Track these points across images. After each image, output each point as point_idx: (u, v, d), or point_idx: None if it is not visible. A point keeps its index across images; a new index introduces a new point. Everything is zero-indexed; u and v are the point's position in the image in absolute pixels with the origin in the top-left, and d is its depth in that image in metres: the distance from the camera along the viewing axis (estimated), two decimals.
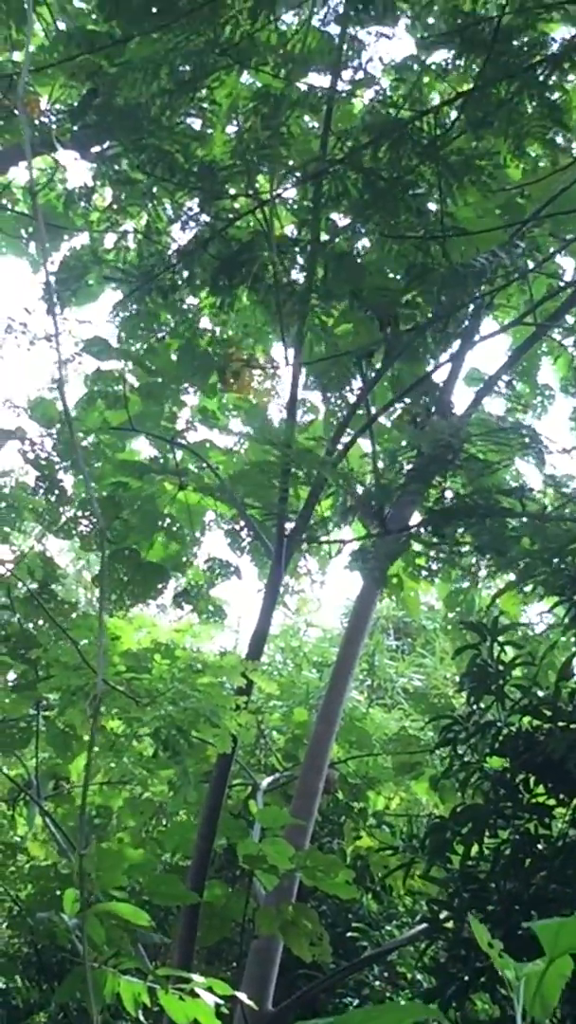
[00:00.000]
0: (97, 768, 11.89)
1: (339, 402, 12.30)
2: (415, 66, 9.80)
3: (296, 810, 10.84)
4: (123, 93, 8.52)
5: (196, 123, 9.48)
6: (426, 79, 9.92)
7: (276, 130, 8.85)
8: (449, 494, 8.90)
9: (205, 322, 12.33)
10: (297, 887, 10.46)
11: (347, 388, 11.30)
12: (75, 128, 9.30)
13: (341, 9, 8.98)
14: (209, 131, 9.50)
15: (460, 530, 8.62)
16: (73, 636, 9.84)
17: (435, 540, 9.10)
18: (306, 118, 9.85)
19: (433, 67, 9.82)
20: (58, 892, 10.13)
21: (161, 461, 12.73)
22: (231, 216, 9.04)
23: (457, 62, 8.75)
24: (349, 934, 12.09)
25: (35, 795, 11.64)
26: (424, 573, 12.01)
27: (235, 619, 19.47)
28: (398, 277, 9.73)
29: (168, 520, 12.64)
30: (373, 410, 11.21)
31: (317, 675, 15.82)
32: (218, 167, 8.92)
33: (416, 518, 10.09)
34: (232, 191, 9.19)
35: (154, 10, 8.83)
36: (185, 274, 9.17)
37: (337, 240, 9.59)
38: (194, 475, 12.43)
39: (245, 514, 11.98)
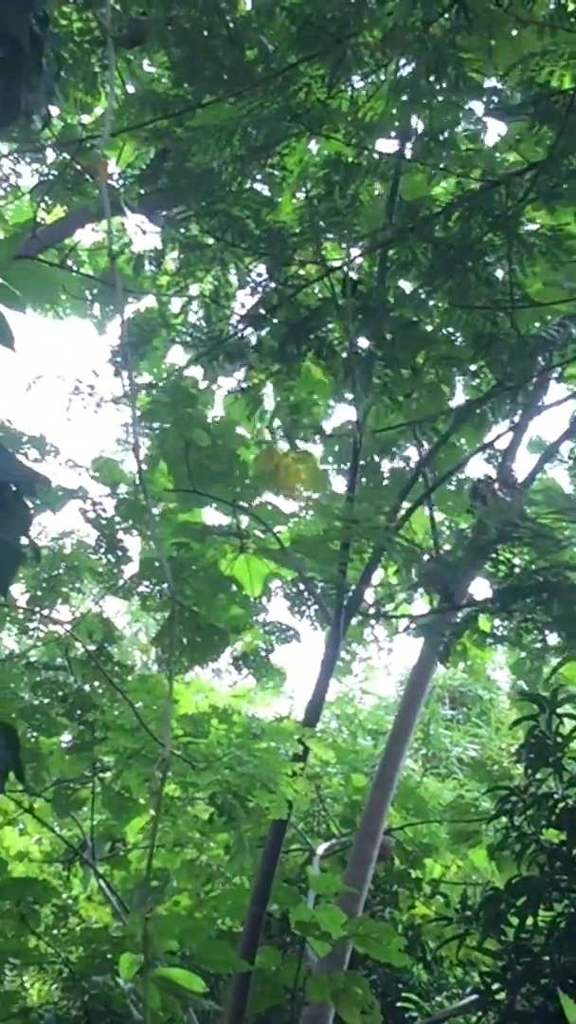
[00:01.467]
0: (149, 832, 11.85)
1: (402, 469, 12.32)
2: (485, 136, 9.83)
3: (350, 877, 10.76)
4: (195, 158, 8.57)
5: (265, 188, 9.53)
6: (498, 149, 9.93)
7: (346, 197, 8.87)
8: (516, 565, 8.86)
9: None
10: (349, 955, 10.38)
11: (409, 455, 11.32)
12: (143, 192, 9.35)
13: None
14: (279, 198, 9.53)
15: (529, 603, 8.56)
16: (131, 698, 9.84)
17: (504, 616, 9.05)
18: (376, 185, 9.89)
19: (504, 136, 9.84)
20: (109, 955, 10.13)
21: (223, 525, 12.74)
22: (299, 283, 9.05)
23: (530, 132, 8.73)
24: (399, 1004, 11.97)
25: (90, 857, 11.62)
26: (490, 641, 11.95)
27: (291, 685, 19.45)
28: (464, 346, 9.73)
29: (229, 584, 12.62)
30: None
31: (372, 743, 15.74)
32: (287, 233, 8.95)
33: (480, 585, 10.06)
34: (300, 257, 9.20)
35: (225, 76, 8.89)
36: (253, 340, 9.19)
37: (403, 308, 9.59)
38: (256, 539, 12.42)
39: (306, 579, 11.97)
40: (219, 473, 12.48)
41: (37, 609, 11.98)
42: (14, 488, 4.31)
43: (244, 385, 10.71)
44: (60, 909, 10.88)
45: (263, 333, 9.19)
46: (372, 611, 11.35)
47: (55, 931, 10.83)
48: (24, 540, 4.37)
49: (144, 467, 9.06)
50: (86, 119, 11.20)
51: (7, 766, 4.46)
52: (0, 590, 4.25)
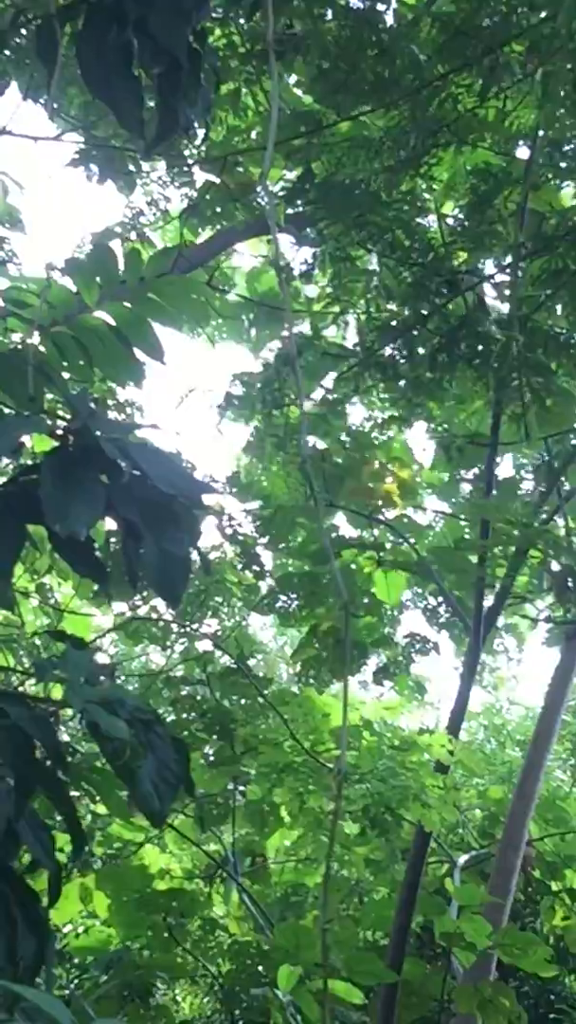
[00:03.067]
0: (300, 846, 11.86)
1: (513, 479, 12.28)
2: None
3: (493, 887, 10.70)
4: (345, 171, 8.57)
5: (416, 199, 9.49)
6: None
7: (494, 207, 8.82)
8: None
9: None
10: (497, 965, 10.31)
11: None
12: (297, 208, 9.35)
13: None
14: (427, 207, 9.51)
15: None
16: (280, 712, 9.86)
17: None
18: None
19: None
20: (258, 968, 10.13)
21: (359, 538, 12.74)
22: (451, 292, 9.02)
23: None
24: (552, 1015, 11.87)
25: (233, 871, 11.63)
26: None
27: (436, 695, 19.36)
28: None
29: (366, 596, 12.60)
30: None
31: (520, 753, 15.64)
32: (437, 244, 8.92)
33: None
34: (451, 267, 9.16)
35: (367, 88, 8.86)
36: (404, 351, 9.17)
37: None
38: (392, 551, 12.39)
39: (443, 590, 11.94)
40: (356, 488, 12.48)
41: (186, 623, 12.04)
42: (183, 501, 4.32)
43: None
44: (207, 922, 10.88)
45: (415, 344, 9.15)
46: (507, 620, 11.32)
47: (203, 945, 10.84)
48: (193, 552, 4.38)
49: (309, 477, 9.05)
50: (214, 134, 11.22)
51: (179, 779, 4.46)
52: (172, 603, 4.25)
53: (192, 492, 4.35)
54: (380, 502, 12.21)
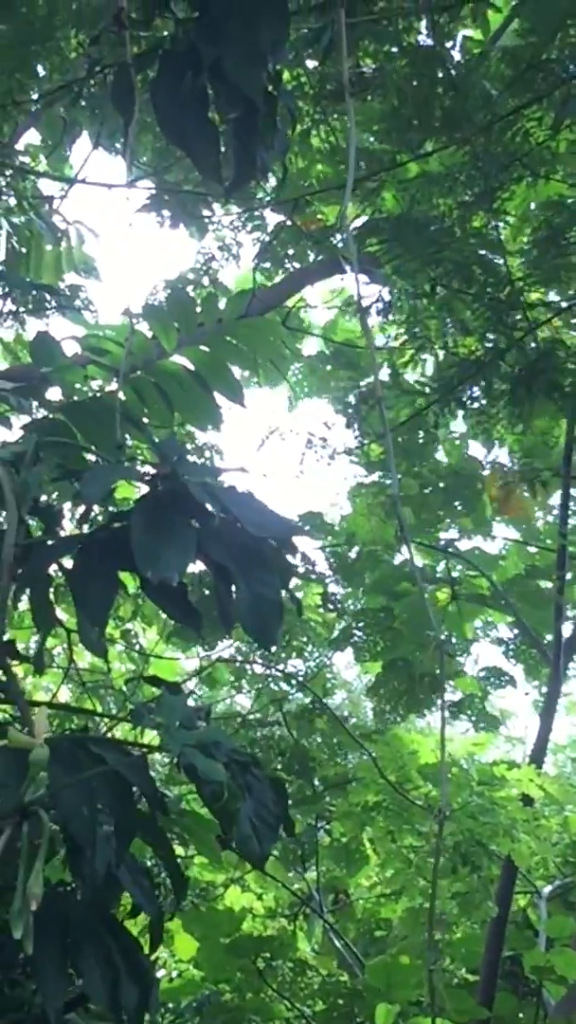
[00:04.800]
0: (379, 880, 11.82)
1: None
2: None
3: None
4: (418, 208, 8.59)
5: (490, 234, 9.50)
6: None
7: (568, 240, 8.81)
8: None
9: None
10: None
11: None
12: (371, 246, 9.38)
13: None
14: (501, 240, 9.51)
15: None
16: (366, 750, 9.84)
17: None
18: None
19: None
20: (347, 1008, 10.07)
21: (432, 571, 12.72)
22: (528, 326, 9.00)
23: None
24: None
25: (318, 908, 11.61)
26: None
27: (520, 729, 19.27)
28: None
29: (447, 631, 12.57)
30: None
31: None
32: (513, 277, 8.92)
33: None
34: (527, 300, 9.15)
35: (437, 124, 8.89)
36: (482, 384, 9.18)
37: None
38: (466, 583, 12.36)
39: (521, 620, 11.90)
40: (429, 520, 12.48)
41: (271, 664, 12.06)
42: (273, 543, 4.33)
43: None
44: (297, 964, 10.83)
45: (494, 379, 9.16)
46: None
47: (293, 986, 10.79)
48: (284, 594, 4.39)
49: (400, 515, 9.08)
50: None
51: (279, 820, 4.47)
52: (265, 645, 4.27)
53: (282, 534, 4.37)
54: (513, 514, 12.23)
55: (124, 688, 11.24)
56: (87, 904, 4.33)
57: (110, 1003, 4.14)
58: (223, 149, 5.25)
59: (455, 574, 12.36)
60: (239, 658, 12.19)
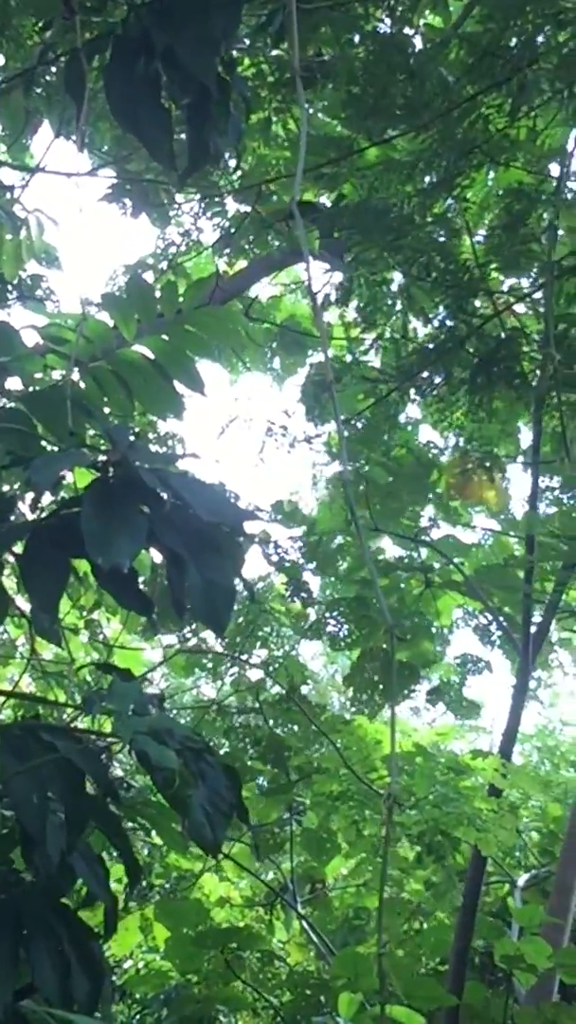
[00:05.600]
0: (359, 872, 11.81)
1: None
2: None
3: (553, 907, 10.57)
4: (377, 195, 8.59)
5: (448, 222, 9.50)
6: None
7: (527, 226, 8.82)
8: None
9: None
10: (559, 987, 10.21)
11: None
12: (333, 234, 9.36)
13: None
14: (459, 229, 9.52)
15: None
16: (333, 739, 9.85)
17: None
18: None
19: None
20: (319, 998, 10.08)
21: (405, 559, 12.74)
22: (487, 314, 9.01)
23: None
24: None
25: (291, 899, 11.60)
26: None
27: (488, 718, 19.30)
28: None
29: (415, 618, 12.57)
30: None
31: (574, 774, 15.55)
32: (473, 265, 8.92)
33: None
34: (486, 288, 9.15)
35: (399, 112, 8.88)
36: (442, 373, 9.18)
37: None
38: (439, 572, 12.37)
39: (492, 609, 11.92)
40: (398, 509, 12.49)
41: (235, 654, 12.04)
42: (225, 529, 4.31)
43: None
44: (265, 955, 10.84)
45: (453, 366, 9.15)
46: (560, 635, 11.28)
47: (261, 976, 10.79)
48: (237, 581, 4.36)
49: (350, 501, 9.07)
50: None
51: (232, 807, 4.45)
52: (217, 631, 4.24)
53: (234, 520, 4.35)
54: (475, 500, 12.22)
55: (88, 678, 11.20)
56: (38, 892, 4.30)
57: (60, 994, 4.11)
58: (177, 135, 5.23)
59: (437, 564, 12.38)
60: (203, 648, 12.17)
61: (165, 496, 4.11)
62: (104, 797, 4.38)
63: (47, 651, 11.50)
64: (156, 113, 5.04)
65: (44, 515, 4.50)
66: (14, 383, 5.50)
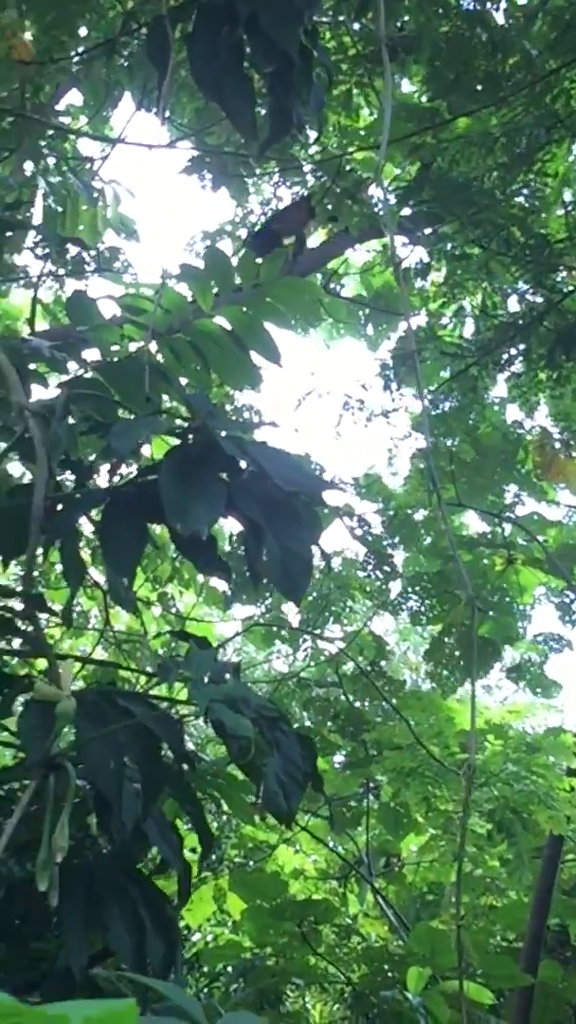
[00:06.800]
0: (431, 847, 11.79)
1: None
2: None
3: None
4: (459, 168, 8.54)
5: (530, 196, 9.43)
6: None
7: None
8: None
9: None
10: None
11: None
12: (403, 213, 9.32)
13: None
14: (540, 204, 9.44)
15: None
16: (405, 715, 9.82)
17: None
18: None
19: None
20: (391, 972, 10.08)
21: (489, 536, 12.68)
22: (567, 289, 8.94)
23: None
24: None
25: (366, 873, 11.61)
26: None
27: (563, 698, 19.17)
28: None
29: (497, 594, 12.52)
30: None
31: None
32: (553, 239, 8.86)
33: None
34: (567, 263, 9.08)
35: (479, 87, 8.83)
36: (521, 347, 9.13)
37: None
38: (522, 549, 12.31)
39: (574, 587, 11.85)
40: (484, 485, 12.44)
41: (310, 628, 12.03)
42: (304, 498, 4.29)
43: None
44: (342, 928, 10.85)
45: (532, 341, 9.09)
46: None
47: (337, 950, 10.80)
48: (315, 551, 4.35)
49: (432, 473, 9.02)
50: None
51: (306, 777, 4.44)
52: (294, 601, 4.23)
53: (313, 490, 4.33)
54: (557, 481, 12.16)
55: (160, 650, 11.24)
56: (113, 858, 4.32)
57: (135, 957, 4.13)
58: (258, 105, 5.21)
59: (522, 541, 12.32)
60: (276, 620, 12.17)
61: (244, 464, 4.11)
62: (179, 765, 4.39)
63: (120, 623, 11.56)
64: (239, 82, 5.03)
65: (122, 482, 4.51)
66: (91, 353, 5.51)
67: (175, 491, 4.01)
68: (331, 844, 12.15)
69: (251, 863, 11.73)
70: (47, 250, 9.63)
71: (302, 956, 10.14)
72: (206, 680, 4.08)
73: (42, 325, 11.06)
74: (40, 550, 4.27)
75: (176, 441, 4.28)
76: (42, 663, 4.80)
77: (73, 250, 10.03)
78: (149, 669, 8.89)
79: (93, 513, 4.45)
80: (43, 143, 9.72)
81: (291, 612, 12.16)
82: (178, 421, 4.35)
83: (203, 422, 4.24)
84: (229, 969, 10.71)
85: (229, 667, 4.41)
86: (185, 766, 4.43)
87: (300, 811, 11.31)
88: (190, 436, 4.26)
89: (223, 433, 4.21)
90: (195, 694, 3.98)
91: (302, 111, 5.24)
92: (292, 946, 10.13)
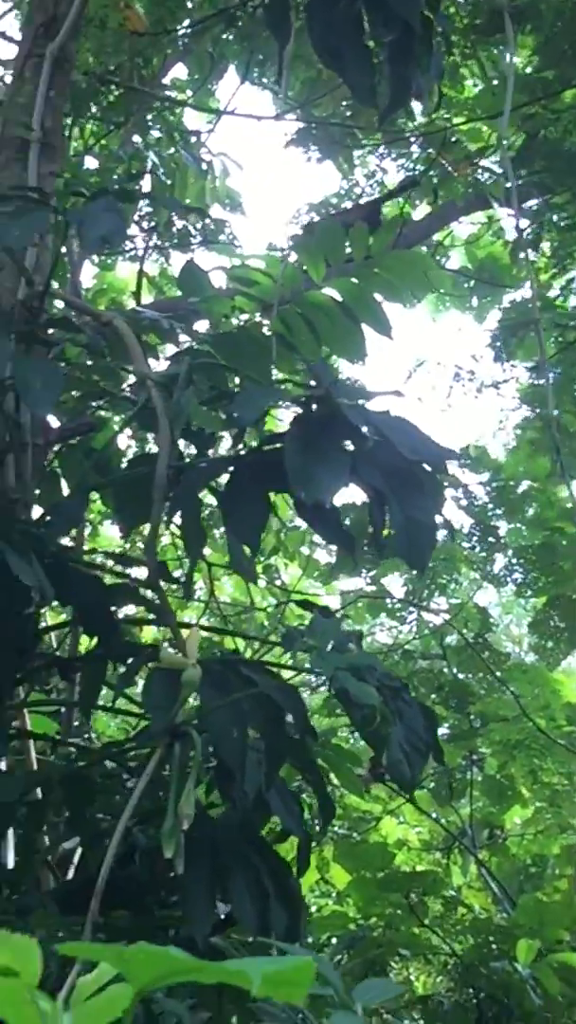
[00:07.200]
0: (536, 820, 11.75)
1: None
2: None
3: None
4: (572, 139, 8.47)
5: None
6: None
7: None
8: None
9: None
10: None
11: None
12: (521, 177, 9.24)
13: None
14: None
15: None
16: (511, 688, 9.79)
17: None
18: None
19: None
20: (496, 944, 10.07)
21: None
22: None
23: None
24: None
25: (470, 844, 11.57)
26: None
27: None
28: None
29: None
30: None
31: None
32: None
33: None
34: None
35: None
36: None
37: None
38: None
39: None
40: None
41: (414, 600, 12.02)
42: (427, 467, 4.28)
43: None
44: (449, 900, 10.83)
45: None
46: None
47: (443, 922, 10.78)
48: (438, 519, 4.34)
49: (555, 440, 8.97)
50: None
51: (428, 747, 4.44)
52: (419, 568, 4.23)
53: (436, 458, 4.32)
54: None
55: (266, 622, 11.25)
56: (235, 827, 4.33)
57: (259, 926, 4.14)
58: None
59: None
60: (379, 592, 12.15)
61: (367, 433, 4.10)
62: (301, 733, 4.40)
63: (224, 596, 11.58)
64: (359, 50, 5.02)
65: (243, 451, 4.52)
66: (200, 325, 5.53)
67: (300, 459, 4.02)
68: (435, 816, 12.12)
69: (355, 834, 11.73)
70: (153, 223, 9.67)
71: (408, 927, 10.13)
72: (329, 648, 4.07)
73: (147, 298, 11.08)
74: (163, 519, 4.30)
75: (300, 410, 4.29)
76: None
77: (179, 223, 10.05)
78: (264, 639, 8.90)
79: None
80: (149, 117, 9.74)
81: (395, 584, 12.13)
82: (301, 391, 4.35)
83: (327, 391, 4.24)
84: (333, 940, 10.71)
85: (352, 636, 4.41)
86: (307, 735, 4.43)
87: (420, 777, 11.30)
88: (313, 405, 4.25)
89: (346, 402, 4.21)
90: (319, 662, 3.98)
91: (422, 80, 5.22)
92: (398, 917, 10.12)
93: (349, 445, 4.14)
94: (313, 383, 4.43)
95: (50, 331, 5.16)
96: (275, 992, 1.52)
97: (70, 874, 5.37)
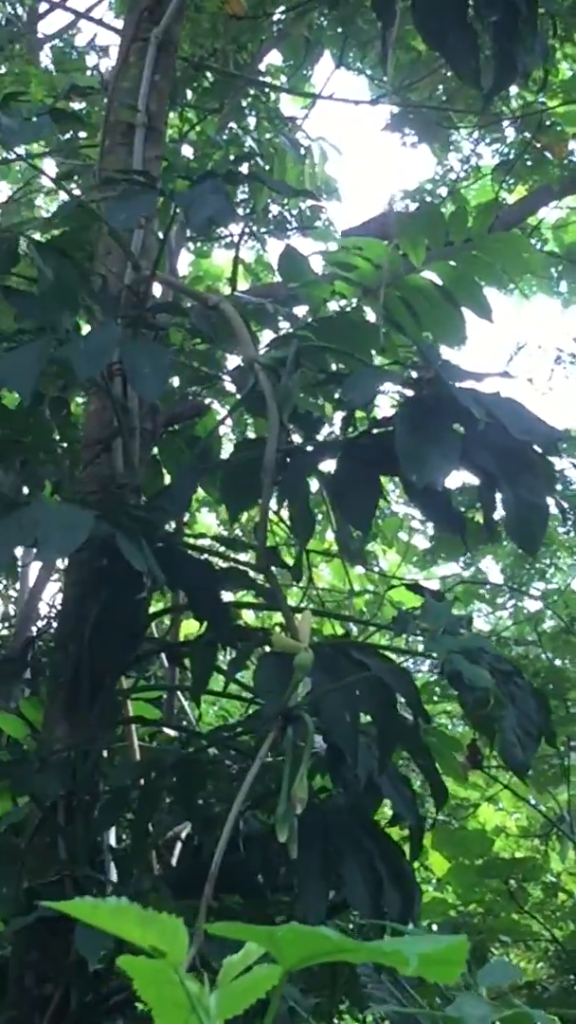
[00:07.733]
0: None
1: None
2: None
3: None
4: None
5: None
6: None
7: None
8: None
9: None
10: None
11: None
12: None
13: None
14: None
15: None
16: None
17: None
18: None
19: None
20: None
21: None
22: None
23: None
24: None
25: (568, 830, 11.52)
26: None
27: None
28: None
29: None
30: None
31: None
32: None
33: None
34: None
35: None
36: None
37: None
38: None
39: None
40: None
41: (513, 585, 11.96)
42: (538, 449, 4.25)
43: None
44: (548, 886, 10.79)
45: None
46: None
47: (543, 908, 10.75)
48: (550, 500, 4.31)
49: None
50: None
51: (540, 731, 4.41)
52: (531, 550, 4.21)
53: (547, 439, 4.28)
54: None
55: (364, 608, 11.22)
56: (348, 811, 4.33)
57: (373, 910, 4.13)
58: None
59: None
60: (478, 579, 12.10)
61: (478, 414, 4.07)
62: (414, 715, 4.38)
63: (322, 582, 11.56)
64: (463, 30, 4.99)
65: (354, 435, 4.51)
66: (300, 310, 5.51)
67: (410, 442, 4.00)
68: (533, 802, 12.08)
69: (454, 821, 11.71)
70: (249, 209, 9.67)
71: (508, 914, 10.11)
72: (441, 632, 4.05)
73: (242, 285, 11.09)
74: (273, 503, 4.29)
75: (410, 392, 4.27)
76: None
77: (275, 209, 10.05)
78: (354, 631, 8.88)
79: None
80: (245, 103, 9.74)
81: (492, 570, 12.09)
82: (412, 372, 4.33)
83: (437, 373, 4.21)
84: (434, 928, 10.70)
85: (463, 620, 4.38)
86: (420, 718, 4.42)
87: (500, 768, 11.27)
88: (424, 387, 4.23)
89: (457, 383, 4.18)
90: (433, 646, 3.96)
91: (527, 59, 5.18)
92: (498, 904, 10.10)
93: (459, 427, 4.11)
94: (420, 366, 4.40)
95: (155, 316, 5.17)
96: (429, 972, 1.51)
97: (173, 860, 5.38)
